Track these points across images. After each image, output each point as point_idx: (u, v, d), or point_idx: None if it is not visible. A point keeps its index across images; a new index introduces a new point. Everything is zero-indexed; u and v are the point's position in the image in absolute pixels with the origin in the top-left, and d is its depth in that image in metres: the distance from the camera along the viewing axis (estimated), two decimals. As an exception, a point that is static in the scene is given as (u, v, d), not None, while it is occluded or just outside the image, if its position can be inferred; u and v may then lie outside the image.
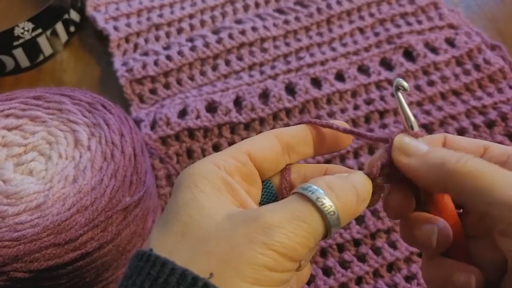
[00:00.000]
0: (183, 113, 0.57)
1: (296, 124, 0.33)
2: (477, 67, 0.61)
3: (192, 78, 0.62)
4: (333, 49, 0.64)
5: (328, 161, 0.54)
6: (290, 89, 0.59)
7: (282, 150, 0.31)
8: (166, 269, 0.24)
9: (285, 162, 0.32)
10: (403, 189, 0.31)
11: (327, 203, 0.26)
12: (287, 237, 0.25)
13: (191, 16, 0.68)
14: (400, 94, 0.31)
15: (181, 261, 0.24)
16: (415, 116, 0.33)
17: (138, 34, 0.66)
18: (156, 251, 0.25)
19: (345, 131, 0.32)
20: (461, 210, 0.32)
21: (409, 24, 0.66)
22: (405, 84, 0.30)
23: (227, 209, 0.27)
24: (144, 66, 0.61)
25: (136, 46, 0.65)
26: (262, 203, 0.32)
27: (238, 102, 0.58)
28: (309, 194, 0.27)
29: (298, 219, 0.26)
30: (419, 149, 0.29)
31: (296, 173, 0.32)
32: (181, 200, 0.27)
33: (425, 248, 0.30)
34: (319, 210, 0.26)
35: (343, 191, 0.27)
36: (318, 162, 0.53)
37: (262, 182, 0.32)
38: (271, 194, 0.32)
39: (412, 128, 0.30)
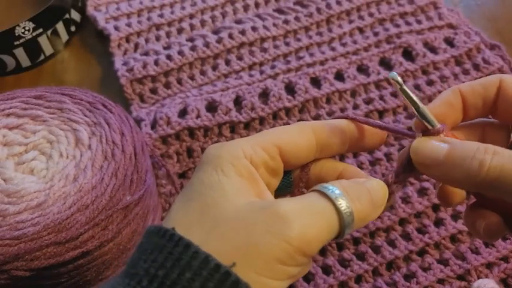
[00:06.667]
0: (183, 113, 0.57)
1: (336, 117, 0.32)
2: (476, 67, 0.61)
3: (192, 77, 0.62)
4: (333, 49, 0.64)
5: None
6: (290, 89, 0.59)
7: (316, 146, 0.31)
8: (189, 251, 0.24)
9: (313, 158, 0.31)
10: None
11: (344, 204, 0.27)
12: (304, 229, 0.25)
13: (191, 16, 0.68)
14: (407, 89, 0.30)
15: (196, 240, 0.24)
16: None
17: (138, 34, 0.66)
18: (175, 226, 0.25)
19: (382, 127, 0.31)
20: None
21: (408, 24, 0.66)
22: (399, 78, 0.30)
23: (247, 197, 0.27)
24: (144, 66, 0.61)
25: (136, 46, 0.65)
26: (276, 193, 0.32)
27: (238, 102, 0.58)
28: (329, 192, 0.27)
29: (317, 213, 0.26)
30: (436, 156, 0.28)
31: (313, 168, 0.32)
32: (207, 181, 0.27)
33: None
34: (337, 209, 0.27)
35: (359, 196, 0.28)
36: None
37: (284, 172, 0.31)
38: (288, 185, 0.32)
39: (431, 125, 0.29)
